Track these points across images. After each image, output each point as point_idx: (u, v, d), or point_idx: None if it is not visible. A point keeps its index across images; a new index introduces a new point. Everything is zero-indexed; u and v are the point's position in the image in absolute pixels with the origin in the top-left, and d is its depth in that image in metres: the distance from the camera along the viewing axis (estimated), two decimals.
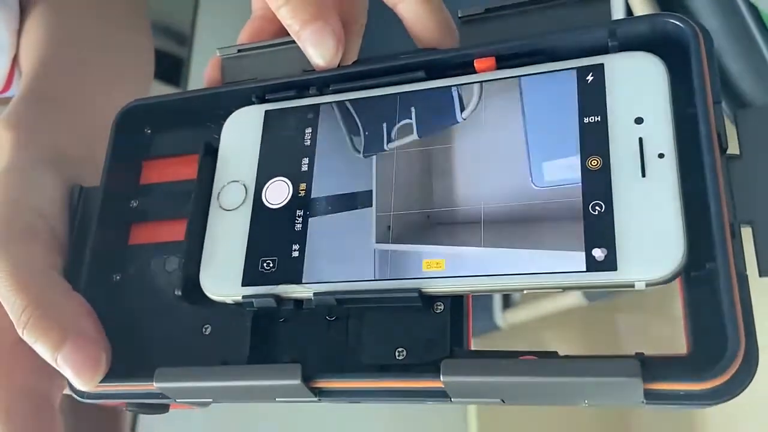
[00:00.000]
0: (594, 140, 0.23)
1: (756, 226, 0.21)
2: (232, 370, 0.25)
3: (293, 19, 0.27)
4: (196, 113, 0.31)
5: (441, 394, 0.22)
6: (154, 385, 0.25)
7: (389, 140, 0.26)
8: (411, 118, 0.26)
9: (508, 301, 0.73)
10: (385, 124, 0.26)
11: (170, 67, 0.52)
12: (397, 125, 0.26)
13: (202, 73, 0.32)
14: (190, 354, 0.27)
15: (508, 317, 0.72)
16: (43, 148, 0.34)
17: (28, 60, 0.42)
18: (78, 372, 0.26)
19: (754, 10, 0.48)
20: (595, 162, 0.23)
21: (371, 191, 0.26)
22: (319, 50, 0.27)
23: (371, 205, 0.25)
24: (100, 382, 0.26)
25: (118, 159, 0.31)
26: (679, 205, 0.21)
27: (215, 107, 0.31)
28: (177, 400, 0.26)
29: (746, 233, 0.22)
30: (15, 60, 0.45)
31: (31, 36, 0.44)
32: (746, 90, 0.51)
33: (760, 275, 0.21)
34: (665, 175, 0.22)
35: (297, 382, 0.23)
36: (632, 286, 0.21)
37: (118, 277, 0.30)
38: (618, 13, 0.52)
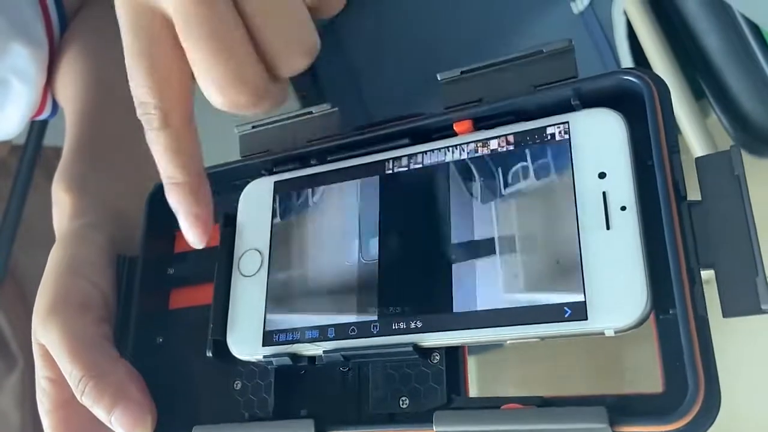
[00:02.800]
0: (562, 197, 0.25)
1: (717, 268, 0.23)
2: (256, 426, 0.28)
3: None
4: (218, 185, 0.35)
5: None
6: None
7: None
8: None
9: None
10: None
11: None
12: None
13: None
14: (223, 408, 0.30)
15: None
16: (98, 211, 0.38)
17: (69, 106, 0.46)
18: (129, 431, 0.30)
19: (756, 29, 0.48)
20: (565, 216, 0.25)
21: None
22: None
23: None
24: None
25: (152, 232, 0.34)
26: (641, 255, 0.23)
27: (234, 179, 0.34)
28: None
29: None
30: (46, 88, 0.50)
31: (69, 79, 0.48)
32: (747, 108, 0.51)
33: (724, 316, 0.22)
34: (628, 226, 0.23)
35: None
36: (602, 333, 0.23)
37: (161, 340, 0.33)
38: (620, 31, 0.53)
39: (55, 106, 0.52)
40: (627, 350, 0.93)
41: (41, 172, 0.60)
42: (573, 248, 0.24)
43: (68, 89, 0.48)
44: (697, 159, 0.24)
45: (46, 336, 0.32)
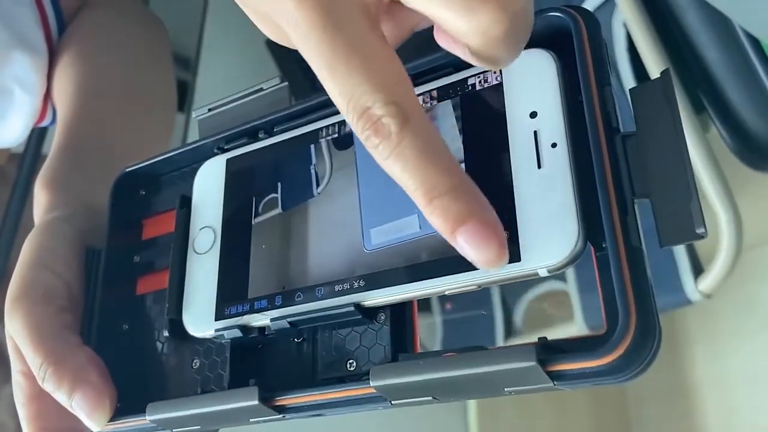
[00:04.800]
0: (496, 139, 0.24)
1: (654, 198, 0.22)
2: (202, 398, 0.27)
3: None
4: (179, 170, 0.35)
5: (382, 399, 0.24)
6: (147, 419, 0.28)
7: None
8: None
9: (510, 331, 0.71)
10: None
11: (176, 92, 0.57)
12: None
13: (207, 98, 0.35)
14: (183, 387, 0.30)
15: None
16: (70, 205, 0.38)
17: (61, 110, 0.47)
18: (88, 415, 0.29)
19: (755, 42, 0.48)
20: (499, 160, 0.24)
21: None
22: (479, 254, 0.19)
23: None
24: (109, 421, 0.30)
25: (118, 222, 0.34)
26: (572, 191, 0.22)
27: (192, 162, 0.34)
28: (174, 431, 0.29)
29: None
30: (47, 96, 0.51)
31: (62, 84, 0.49)
32: (747, 121, 0.51)
33: (661, 246, 0.21)
34: (558, 163, 0.23)
35: (255, 402, 0.25)
36: (536, 274, 0.22)
37: (126, 326, 0.33)
38: (620, 43, 0.52)
39: (56, 113, 0.53)
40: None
41: None
42: (506, 190, 0.23)
43: (61, 94, 0.49)
44: (631, 89, 0.23)
45: (11, 326, 0.32)
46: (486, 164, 0.24)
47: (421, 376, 0.22)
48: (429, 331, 0.76)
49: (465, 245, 0.19)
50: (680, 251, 0.55)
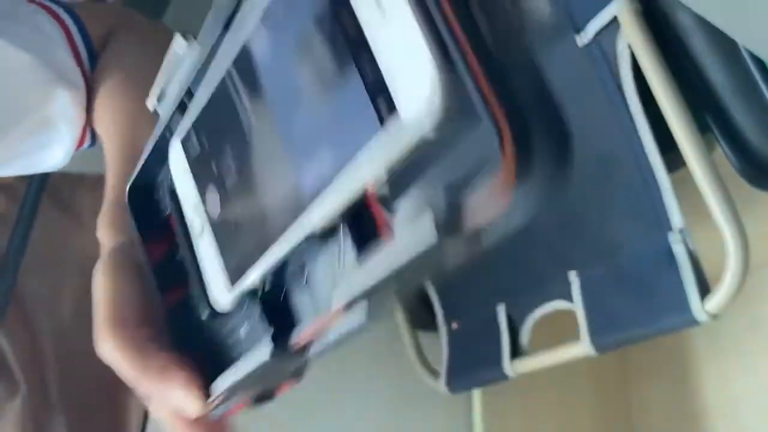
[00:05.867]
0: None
1: None
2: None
3: None
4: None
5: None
6: (219, 393, 0.31)
7: None
8: None
9: (516, 350, 0.66)
10: None
11: None
12: None
13: None
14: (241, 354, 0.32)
15: (516, 367, 0.66)
16: (128, 238, 0.41)
17: (107, 146, 0.50)
18: (189, 406, 0.33)
19: (761, 64, 0.47)
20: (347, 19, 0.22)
21: None
22: None
23: None
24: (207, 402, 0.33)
25: (145, 232, 0.37)
26: (416, 25, 0.19)
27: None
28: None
29: None
30: (86, 124, 0.55)
31: (104, 122, 0.52)
32: (752, 142, 0.50)
33: None
34: (397, 3, 0.20)
35: (269, 350, 0.27)
36: (420, 127, 0.20)
37: (193, 319, 0.36)
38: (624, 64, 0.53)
39: (94, 135, 0.56)
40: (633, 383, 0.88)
41: (47, 197, 0.61)
42: (364, 48, 0.21)
43: (104, 130, 0.52)
44: None
45: (104, 353, 0.36)
46: (337, 23, 0.22)
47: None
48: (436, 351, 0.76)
49: None
50: (686, 271, 0.51)
